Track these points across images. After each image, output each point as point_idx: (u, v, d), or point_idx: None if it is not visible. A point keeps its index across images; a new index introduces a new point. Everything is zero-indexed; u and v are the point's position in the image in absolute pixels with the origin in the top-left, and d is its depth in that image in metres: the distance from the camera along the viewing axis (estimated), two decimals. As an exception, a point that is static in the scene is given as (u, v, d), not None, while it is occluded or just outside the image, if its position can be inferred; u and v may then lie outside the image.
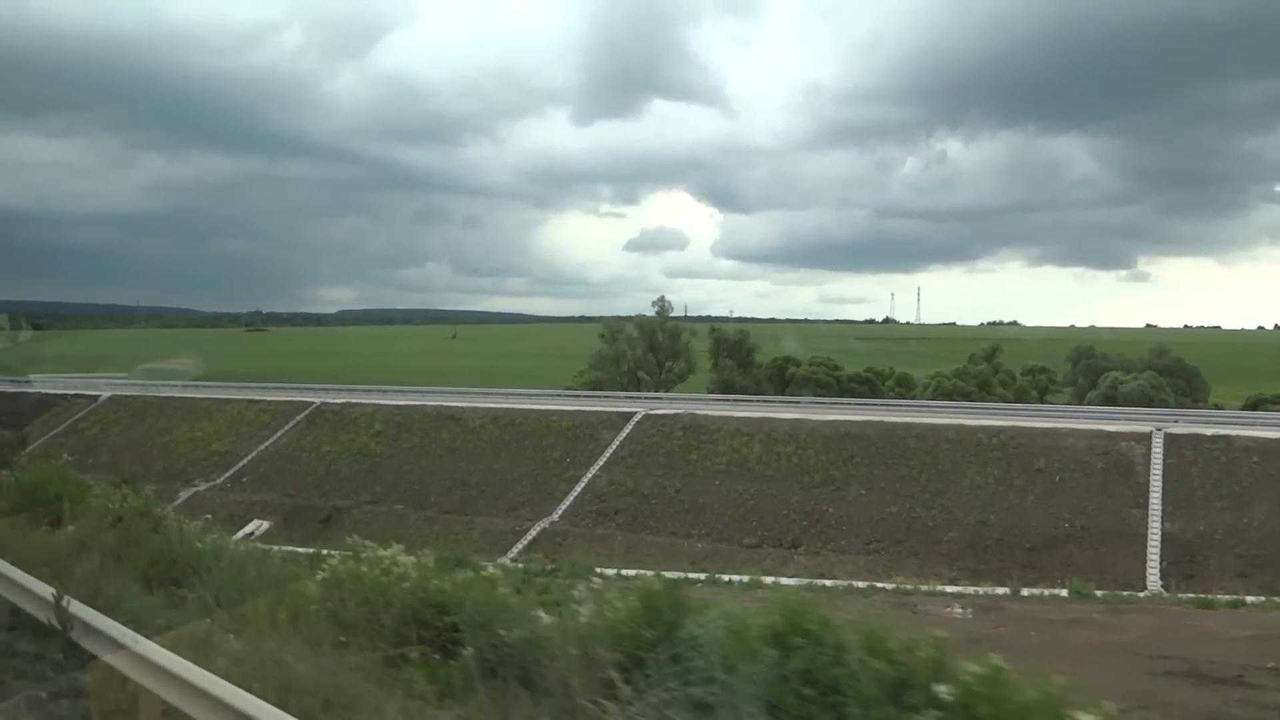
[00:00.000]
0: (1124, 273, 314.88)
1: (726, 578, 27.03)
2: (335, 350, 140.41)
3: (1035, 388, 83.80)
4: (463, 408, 43.23)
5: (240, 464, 43.92)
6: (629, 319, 71.97)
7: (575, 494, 34.90)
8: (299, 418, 46.54)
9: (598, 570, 29.03)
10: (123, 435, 50.70)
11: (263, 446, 44.89)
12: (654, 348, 67.27)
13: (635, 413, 38.89)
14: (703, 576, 27.50)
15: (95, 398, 56.66)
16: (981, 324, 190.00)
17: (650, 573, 31.18)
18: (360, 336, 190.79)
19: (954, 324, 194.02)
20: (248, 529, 37.71)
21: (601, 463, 36.28)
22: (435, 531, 33.64)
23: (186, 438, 47.89)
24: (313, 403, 47.74)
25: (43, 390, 60.89)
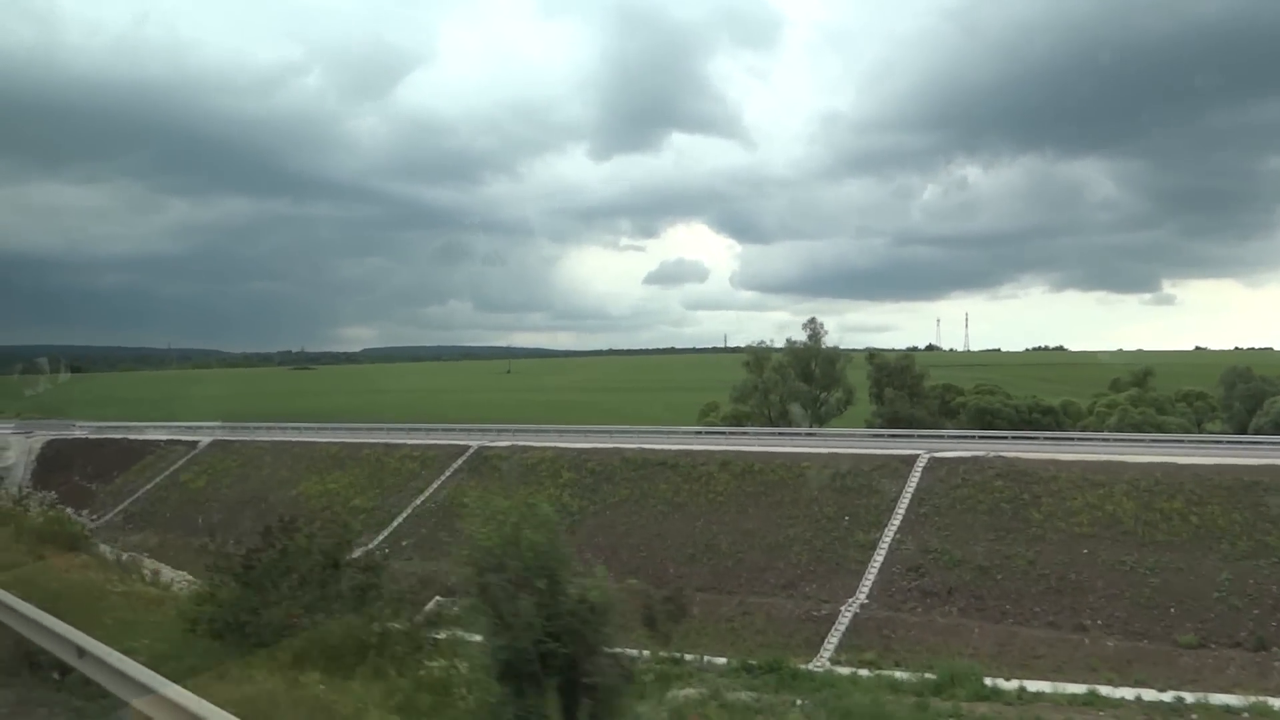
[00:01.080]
0: (1148, 296, 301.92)
1: (1201, 698, 18.65)
2: (394, 387, 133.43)
3: (1194, 415, 74.86)
4: (671, 450, 35.23)
5: (395, 523, 36.02)
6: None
7: (877, 565, 26.66)
8: (456, 464, 38.68)
9: (986, 681, 20.87)
10: (236, 488, 43.02)
11: (419, 500, 37.01)
12: (807, 376, 59.12)
13: (916, 455, 30.68)
14: (1167, 697, 19.15)
15: (194, 444, 49.18)
16: (1027, 349, 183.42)
17: (1058, 687, 22.84)
18: (403, 373, 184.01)
19: (998, 350, 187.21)
20: (429, 609, 29.66)
21: (897, 522, 28.05)
22: (696, 617, 25.42)
23: (318, 490, 40.12)
24: (469, 446, 39.91)
25: (130, 436, 53.52)
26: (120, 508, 45.18)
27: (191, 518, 41.86)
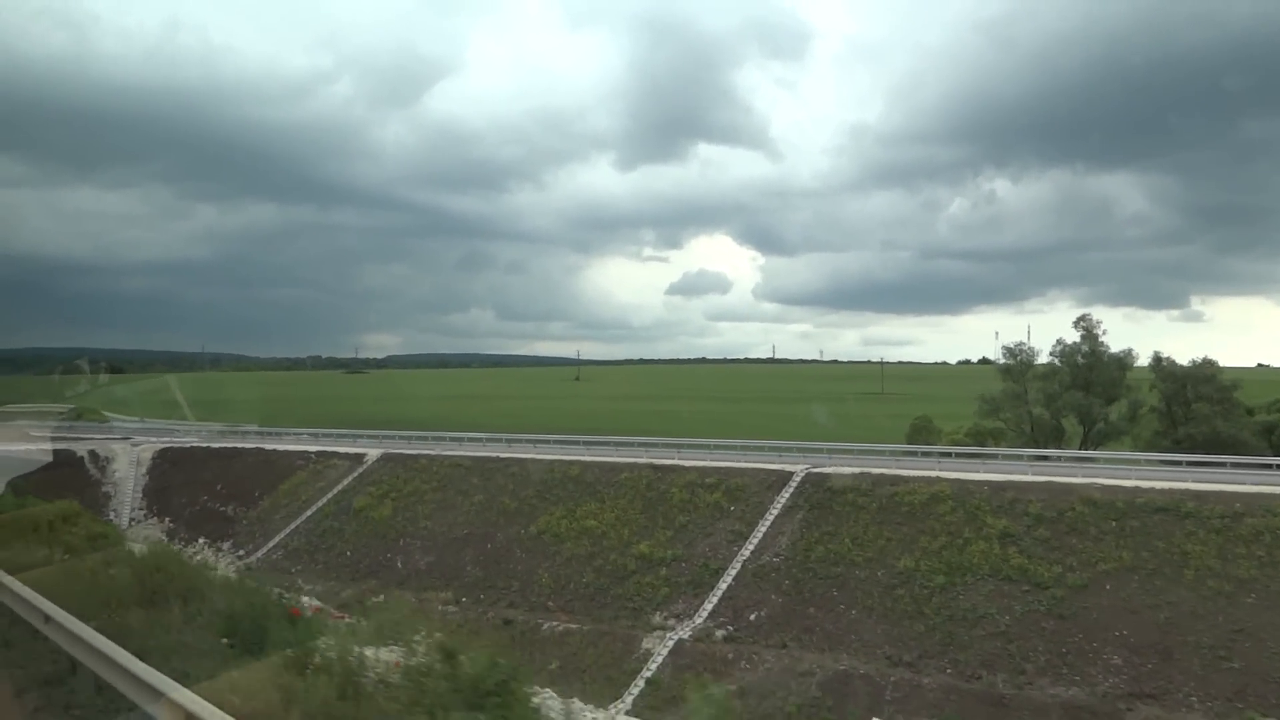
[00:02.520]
0: (1176, 312, 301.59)
1: None
2: (466, 393, 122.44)
3: None
4: (1121, 487, 23.86)
5: (722, 584, 24.75)
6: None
7: None
8: (782, 497, 27.41)
9: None
10: (442, 521, 32.00)
11: (745, 550, 25.73)
12: (1086, 386, 47.47)
13: None
14: None
15: (359, 458, 38.25)
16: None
17: None
18: (454, 379, 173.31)
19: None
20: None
21: None
22: None
23: (570, 528, 29.02)
24: (790, 471, 28.61)
25: (263, 446, 42.75)
26: (275, 541, 34.26)
27: (386, 560, 30.91)
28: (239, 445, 43.16)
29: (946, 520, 24.37)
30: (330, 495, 36.01)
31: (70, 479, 39.66)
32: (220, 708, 4.24)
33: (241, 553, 34.39)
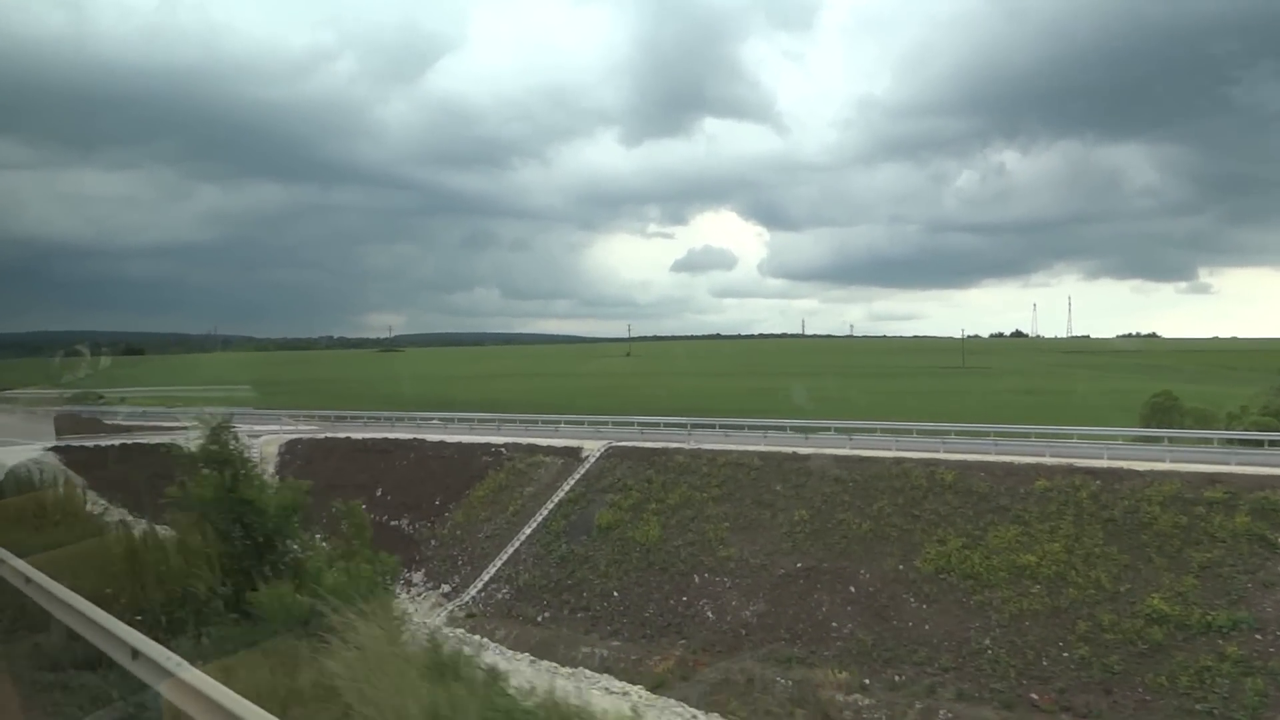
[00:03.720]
0: (1184, 284, 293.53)
1: None
2: (514, 371, 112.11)
3: None
4: None
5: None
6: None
7: None
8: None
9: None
10: (747, 545, 22.31)
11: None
12: None
13: None
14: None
15: (574, 452, 28.56)
16: (1117, 336, 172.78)
17: None
18: (490, 357, 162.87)
19: (1088, 337, 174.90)
20: None
21: None
22: None
23: (986, 565, 19.32)
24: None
25: (424, 437, 33.10)
26: (492, 571, 24.63)
27: (681, 606, 21.34)
28: (388, 435, 33.43)
29: None
30: (552, 505, 26.34)
31: (177, 479, 30.13)
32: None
33: (446, 589, 24.80)
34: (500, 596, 23.82)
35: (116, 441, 30.68)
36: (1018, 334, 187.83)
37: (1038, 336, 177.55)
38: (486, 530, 26.54)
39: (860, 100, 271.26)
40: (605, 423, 33.12)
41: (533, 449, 29.47)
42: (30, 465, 26.65)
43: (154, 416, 40.50)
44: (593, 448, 28.48)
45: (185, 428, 33.16)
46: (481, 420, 36.60)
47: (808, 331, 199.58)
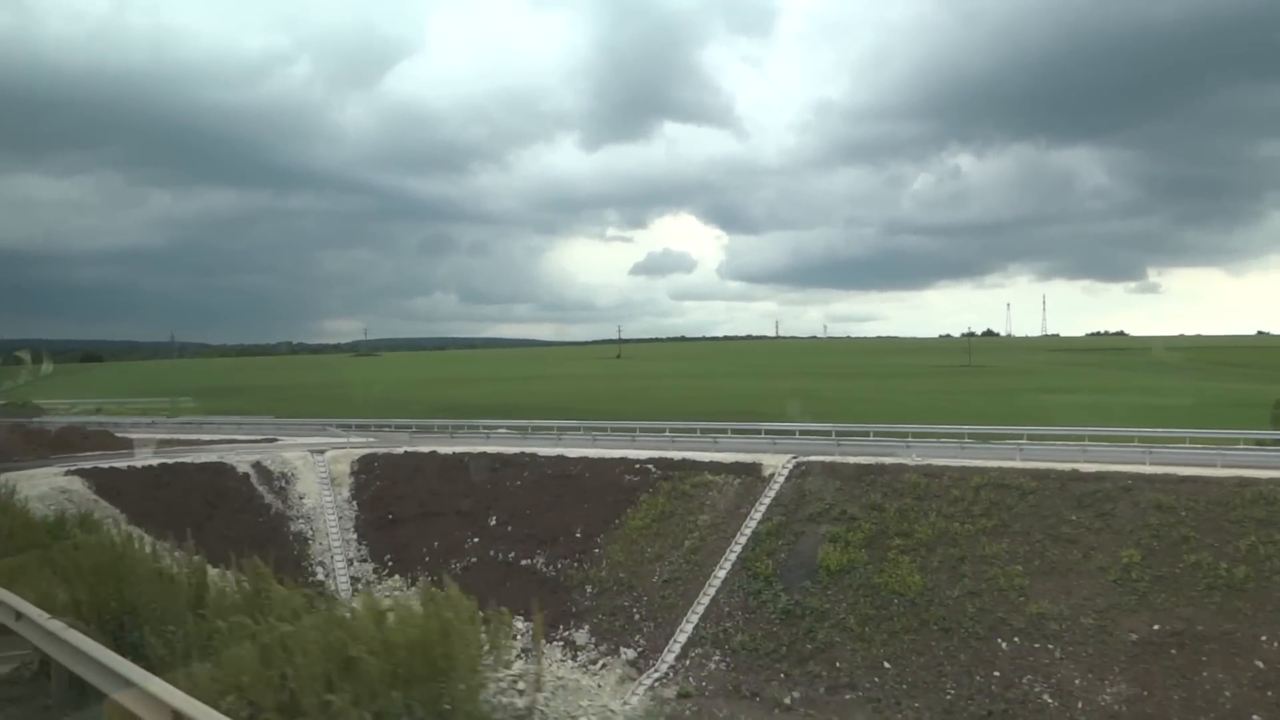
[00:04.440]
0: (1133, 284, 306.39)
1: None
2: (517, 375, 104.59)
3: None
4: None
5: None
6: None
7: None
8: None
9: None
10: (1059, 598, 16.67)
11: None
12: None
13: None
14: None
15: (753, 468, 22.61)
16: (1087, 334, 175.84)
17: None
18: (468, 361, 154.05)
19: (1057, 335, 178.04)
20: None
21: None
22: None
23: None
24: None
25: (534, 451, 26.83)
26: (686, 631, 18.55)
27: (1023, 699, 15.54)
28: (489, 449, 27.02)
29: None
30: (744, 539, 20.40)
31: (234, 509, 23.46)
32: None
33: (630, 654, 18.69)
34: (713, 666, 17.80)
35: (154, 461, 23.89)
36: (989, 333, 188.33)
37: (1010, 336, 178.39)
38: (661, 572, 20.47)
39: (818, 104, 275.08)
40: (757, 431, 27.34)
41: (692, 466, 23.44)
42: (56, 495, 19.94)
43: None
44: (775, 463, 22.59)
45: (233, 442, 26.38)
46: (565, 429, 30.62)
47: (780, 333, 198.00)
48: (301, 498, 24.93)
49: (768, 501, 21.40)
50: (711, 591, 19.47)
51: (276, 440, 30.62)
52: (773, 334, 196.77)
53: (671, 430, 30.06)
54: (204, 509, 22.63)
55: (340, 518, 24.65)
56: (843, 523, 19.98)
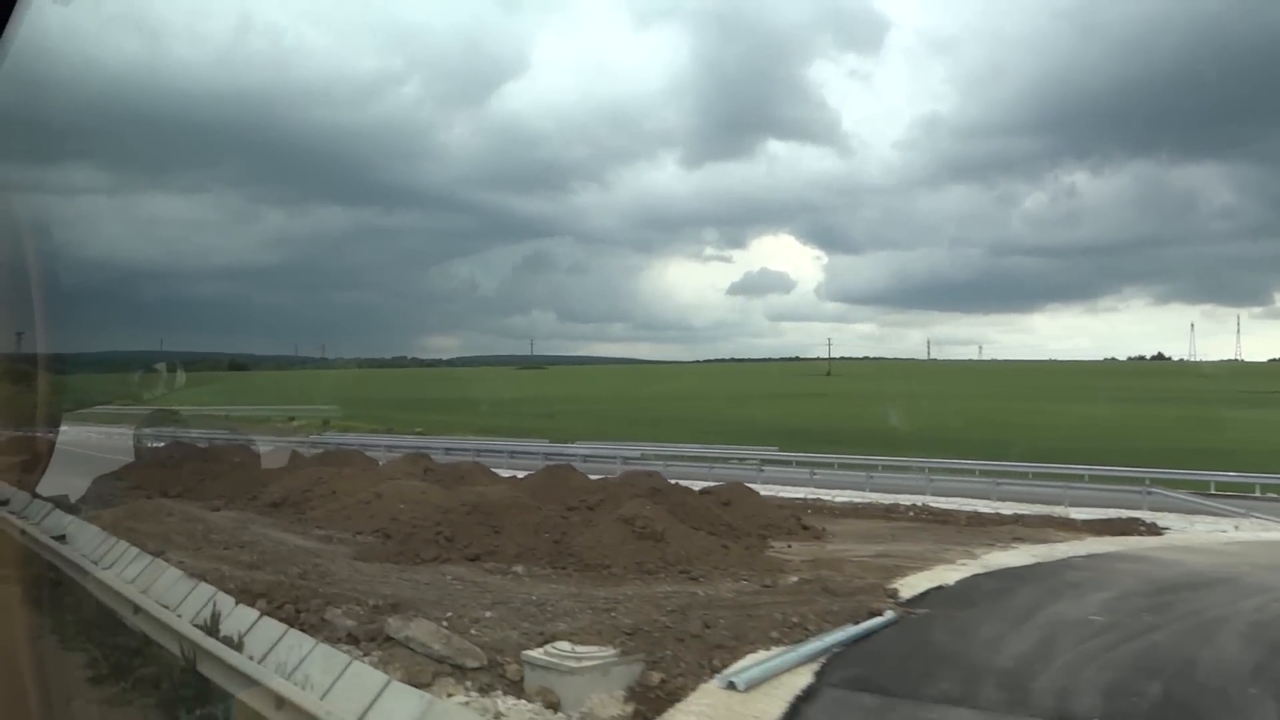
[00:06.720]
0: (1258, 309, 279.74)
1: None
2: (692, 394, 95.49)
3: None
4: None
5: None
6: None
7: None
8: None
9: None
10: None
11: None
12: None
13: None
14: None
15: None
16: (1268, 360, 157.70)
17: None
18: (634, 376, 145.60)
19: (1235, 360, 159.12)
20: None
21: None
22: None
23: None
24: None
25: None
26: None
27: None
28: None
29: None
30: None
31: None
32: None
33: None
34: None
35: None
36: (1160, 357, 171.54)
37: (1194, 360, 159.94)
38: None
39: (926, 120, 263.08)
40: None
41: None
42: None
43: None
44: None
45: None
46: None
47: (887, 355, 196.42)
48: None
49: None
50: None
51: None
52: (888, 355, 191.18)
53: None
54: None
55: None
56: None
